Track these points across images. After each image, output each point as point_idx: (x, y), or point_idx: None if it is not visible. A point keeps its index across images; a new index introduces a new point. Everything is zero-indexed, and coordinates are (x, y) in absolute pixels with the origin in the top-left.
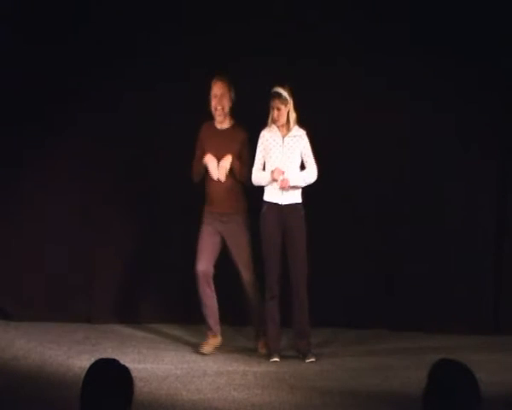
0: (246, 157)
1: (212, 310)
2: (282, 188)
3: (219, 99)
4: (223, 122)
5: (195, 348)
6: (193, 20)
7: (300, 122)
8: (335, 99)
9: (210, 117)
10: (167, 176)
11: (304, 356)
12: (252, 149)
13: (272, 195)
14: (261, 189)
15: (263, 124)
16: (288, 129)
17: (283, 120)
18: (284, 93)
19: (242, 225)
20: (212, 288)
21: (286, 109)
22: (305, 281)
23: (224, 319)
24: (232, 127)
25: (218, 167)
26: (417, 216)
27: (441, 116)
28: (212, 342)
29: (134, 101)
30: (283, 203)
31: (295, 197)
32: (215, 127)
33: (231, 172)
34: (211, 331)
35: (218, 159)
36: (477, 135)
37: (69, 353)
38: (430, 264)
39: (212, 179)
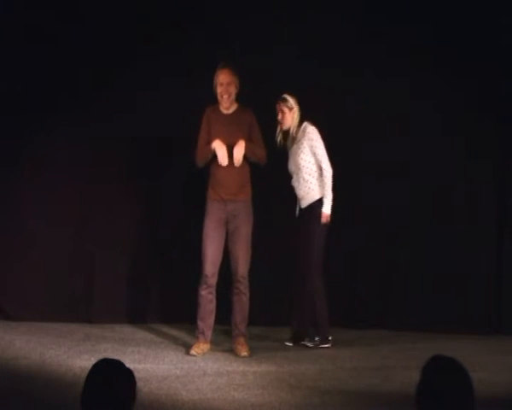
0: (257, 137)
1: (209, 316)
2: (326, 222)
3: (226, 87)
4: (229, 108)
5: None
6: (193, 18)
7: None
8: (335, 98)
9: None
10: (167, 176)
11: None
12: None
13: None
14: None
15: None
16: (294, 138)
17: (287, 123)
18: (291, 100)
19: (248, 216)
20: (214, 293)
21: (290, 114)
22: (308, 280)
23: (226, 319)
24: (238, 111)
25: (227, 153)
26: (417, 216)
27: (441, 116)
28: (203, 346)
29: (134, 100)
30: (302, 207)
31: (309, 200)
32: (221, 112)
33: (243, 157)
34: (202, 336)
35: (228, 144)
36: (477, 135)
37: (69, 353)
38: (430, 264)
39: (220, 165)
